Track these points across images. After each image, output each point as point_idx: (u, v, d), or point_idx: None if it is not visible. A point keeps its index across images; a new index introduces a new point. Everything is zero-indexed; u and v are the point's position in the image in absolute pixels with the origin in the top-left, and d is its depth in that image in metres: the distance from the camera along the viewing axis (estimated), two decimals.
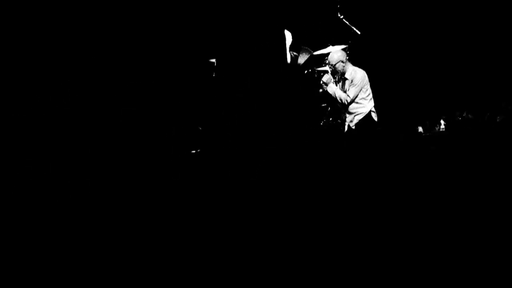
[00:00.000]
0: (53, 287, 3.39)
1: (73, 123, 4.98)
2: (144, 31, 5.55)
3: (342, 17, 6.16)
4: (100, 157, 4.81)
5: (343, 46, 6.41)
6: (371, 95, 6.32)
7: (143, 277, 3.60)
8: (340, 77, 6.49)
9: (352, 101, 6.28)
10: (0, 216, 4.18)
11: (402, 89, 4.82)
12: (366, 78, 6.36)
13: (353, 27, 6.24)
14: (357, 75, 6.34)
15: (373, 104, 6.38)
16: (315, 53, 6.43)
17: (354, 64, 6.43)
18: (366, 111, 6.21)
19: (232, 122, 4.83)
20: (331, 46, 6.52)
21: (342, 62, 6.41)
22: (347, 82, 6.40)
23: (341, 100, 6.26)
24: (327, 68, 6.53)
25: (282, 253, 4.09)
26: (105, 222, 4.15)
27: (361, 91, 6.32)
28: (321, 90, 6.47)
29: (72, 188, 4.45)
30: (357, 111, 6.24)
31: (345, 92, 6.42)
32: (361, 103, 6.20)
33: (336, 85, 6.54)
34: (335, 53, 6.44)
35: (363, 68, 6.40)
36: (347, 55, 6.49)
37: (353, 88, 6.30)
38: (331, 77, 6.41)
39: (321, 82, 6.41)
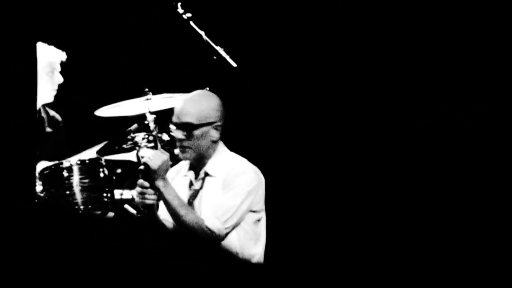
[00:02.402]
0: None
1: None
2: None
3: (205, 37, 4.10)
4: None
5: (202, 92, 3.70)
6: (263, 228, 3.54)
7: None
8: (195, 166, 3.61)
9: (225, 235, 3.42)
10: None
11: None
12: (262, 186, 3.52)
13: (223, 55, 4.11)
14: (240, 175, 3.49)
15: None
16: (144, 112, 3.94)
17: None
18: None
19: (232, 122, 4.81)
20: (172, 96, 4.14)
21: (216, 130, 3.54)
22: (210, 183, 3.57)
23: (193, 226, 3.41)
24: (165, 136, 3.74)
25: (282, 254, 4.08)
26: None
27: (248, 215, 3.49)
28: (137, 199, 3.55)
29: None
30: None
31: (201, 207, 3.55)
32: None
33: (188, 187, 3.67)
34: (200, 101, 3.57)
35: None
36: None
37: (229, 199, 3.46)
38: (167, 163, 3.50)
39: (140, 174, 3.52)
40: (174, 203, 3.44)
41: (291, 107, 4.77)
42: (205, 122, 3.52)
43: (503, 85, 4.38)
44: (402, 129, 4.53)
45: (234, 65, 4.07)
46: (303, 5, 4.81)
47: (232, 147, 3.70)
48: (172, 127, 3.55)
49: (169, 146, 3.64)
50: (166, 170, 3.48)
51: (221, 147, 3.61)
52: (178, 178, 3.66)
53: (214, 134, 3.54)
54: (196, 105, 3.54)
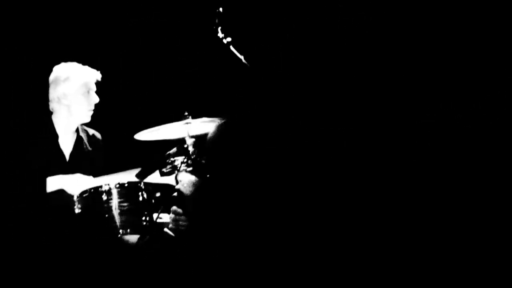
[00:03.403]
0: None
1: None
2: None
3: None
4: None
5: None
6: None
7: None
8: None
9: None
10: None
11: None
12: None
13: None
14: None
15: None
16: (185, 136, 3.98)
17: None
18: None
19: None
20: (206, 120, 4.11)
21: None
22: None
23: None
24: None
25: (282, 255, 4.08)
26: None
27: None
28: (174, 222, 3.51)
29: None
30: None
31: None
32: None
33: None
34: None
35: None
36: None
37: None
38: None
39: (174, 200, 3.53)
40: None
41: (291, 107, 4.77)
42: None
43: (503, 85, 4.38)
44: (402, 129, 4.53)
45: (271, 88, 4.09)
46: (303, 5, 4.82)
47: None
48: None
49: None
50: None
51: None
52: None
53: None
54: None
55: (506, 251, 4.10)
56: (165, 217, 4.07)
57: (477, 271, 4.08)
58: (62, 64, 4.70)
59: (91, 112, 4.65)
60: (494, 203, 4.23)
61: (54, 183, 4.37)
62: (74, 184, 4.33)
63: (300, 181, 4.61)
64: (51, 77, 4.63)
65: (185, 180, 3.49)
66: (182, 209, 3.46)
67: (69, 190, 4.29)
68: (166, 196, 4.16)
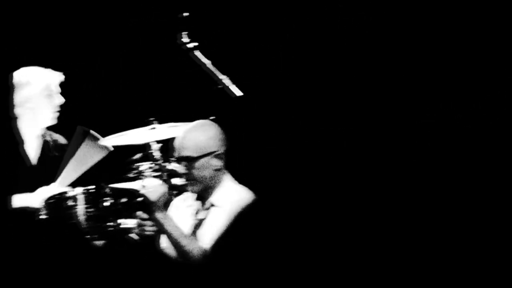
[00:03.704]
0: None
1: None
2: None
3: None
4: None
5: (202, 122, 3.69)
6: None
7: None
8: (202, 196, 3.61)
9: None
10: None
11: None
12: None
13: (228, 84, 3.99)
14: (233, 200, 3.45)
15: None
16: (132, 142, 4.11)
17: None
18: None
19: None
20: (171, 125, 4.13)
21: (218, 158, 3.54)
22: (212, 212, 3.57)
23: (194, 256, 3.33)
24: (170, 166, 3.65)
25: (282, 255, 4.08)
26: None
27: None
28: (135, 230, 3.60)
29: None
30: None
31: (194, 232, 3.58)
32: None
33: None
34: (196, 133, 3.59)
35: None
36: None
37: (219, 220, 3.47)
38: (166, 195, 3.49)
39: (139, 205, 3.53)
40: (175, 233, 3.48)
41: (291, 108, 4.77)
42: (204, 153, 3.55)
43: (503, 85, 4.37)
44: (402, 129, 4.53)
45: (240, 93, 4.09)
46: (303, 5, 4.81)
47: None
48: (174, 164, 3.58)
49: (173, 175, 3.69)
50: (165, 202, 3.53)
51: (226, 177, 3.64)
52: (183, 207, 3.69)
53: (216, 163, 3.58)
54: (193, 137, 3.58)
55: (506, 251, 4.10)
56: (131, 223, 4.10)
57: (477, 271, 4.08)
58: (21, 69, 4.72)
59: (57, 114, 4.66)
60: (494, 203, 4.22)
61: (17, 201, 4.38)
62: (38, 197, 4.33)
63: (300, 181, 4.61)
64: (12, 82, 4.64)
65: (151, 185, 3.54)
66: (148, 214, 3.50)
67: (34, 205, 4.28)
68: (132, 202, 4.17)
